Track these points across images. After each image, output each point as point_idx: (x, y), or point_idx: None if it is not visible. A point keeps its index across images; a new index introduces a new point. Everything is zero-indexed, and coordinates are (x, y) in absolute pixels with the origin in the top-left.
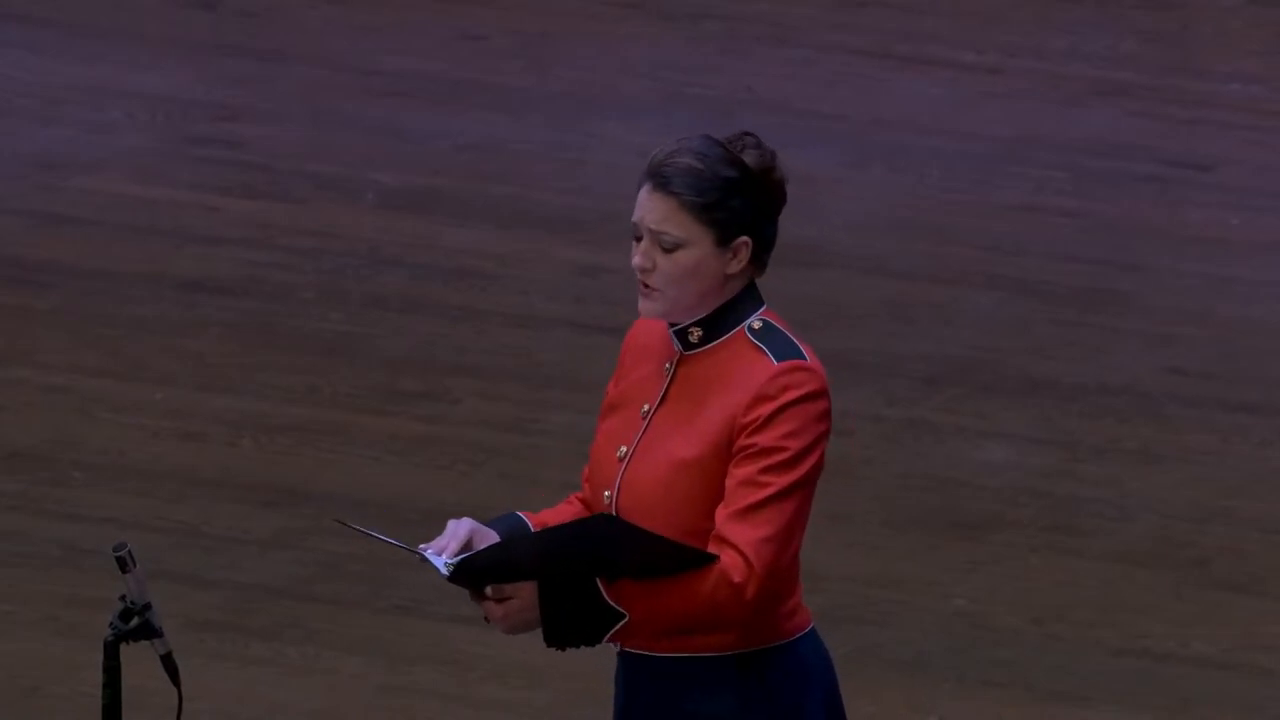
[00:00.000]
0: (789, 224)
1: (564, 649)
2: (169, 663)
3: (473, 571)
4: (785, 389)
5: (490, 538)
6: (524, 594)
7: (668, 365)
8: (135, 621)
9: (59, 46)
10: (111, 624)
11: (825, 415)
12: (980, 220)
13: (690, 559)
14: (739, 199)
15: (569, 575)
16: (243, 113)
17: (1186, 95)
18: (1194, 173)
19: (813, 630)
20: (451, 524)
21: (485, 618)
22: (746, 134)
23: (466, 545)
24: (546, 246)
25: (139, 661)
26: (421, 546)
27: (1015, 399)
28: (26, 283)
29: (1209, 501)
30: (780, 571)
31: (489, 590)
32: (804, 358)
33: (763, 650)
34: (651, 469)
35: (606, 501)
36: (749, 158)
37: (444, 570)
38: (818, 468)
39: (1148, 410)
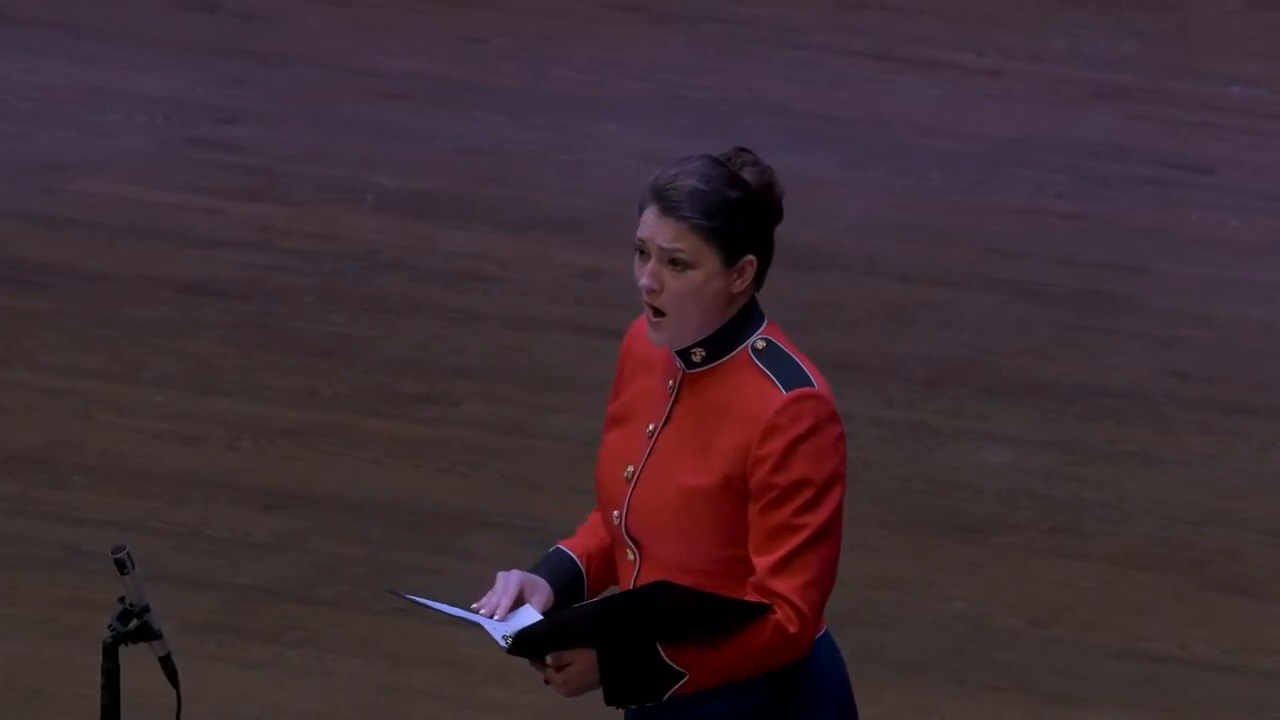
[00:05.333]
0: (789, 225)
1: (624, 706)
2: (168, 664)
3: (532, 643)
4: (796, 419)
5: (540, 586)
6: (583, 659)
7: (671, 383)
8: (134, 623)
9: (59, 48)
10: (110, 626)
11: (840, 439)
12: (980, 222)
13: (744, 612)
14: (744, 219)
15: (628, 640)
16: (243, 115)
17: (1186, 97)
18: (1194, 175)
19: (827, 632)
20: (500, 578)
21: (545, 680)
22: (742, 150)
23: (518, 598)
24: (546, 249)
25: (140, 663)
26: (474, 605)
27: (1015, 401)
28: (27, 285)
29: (1209, 504)
30: (825, 605)
31: (549, 658)
32: (811, 384)
33: None
34: (661, 494)
35: (616, 522)
36: (749, 175)
37: (503, 643)
38: (843, 494)
39: (1148, 412)
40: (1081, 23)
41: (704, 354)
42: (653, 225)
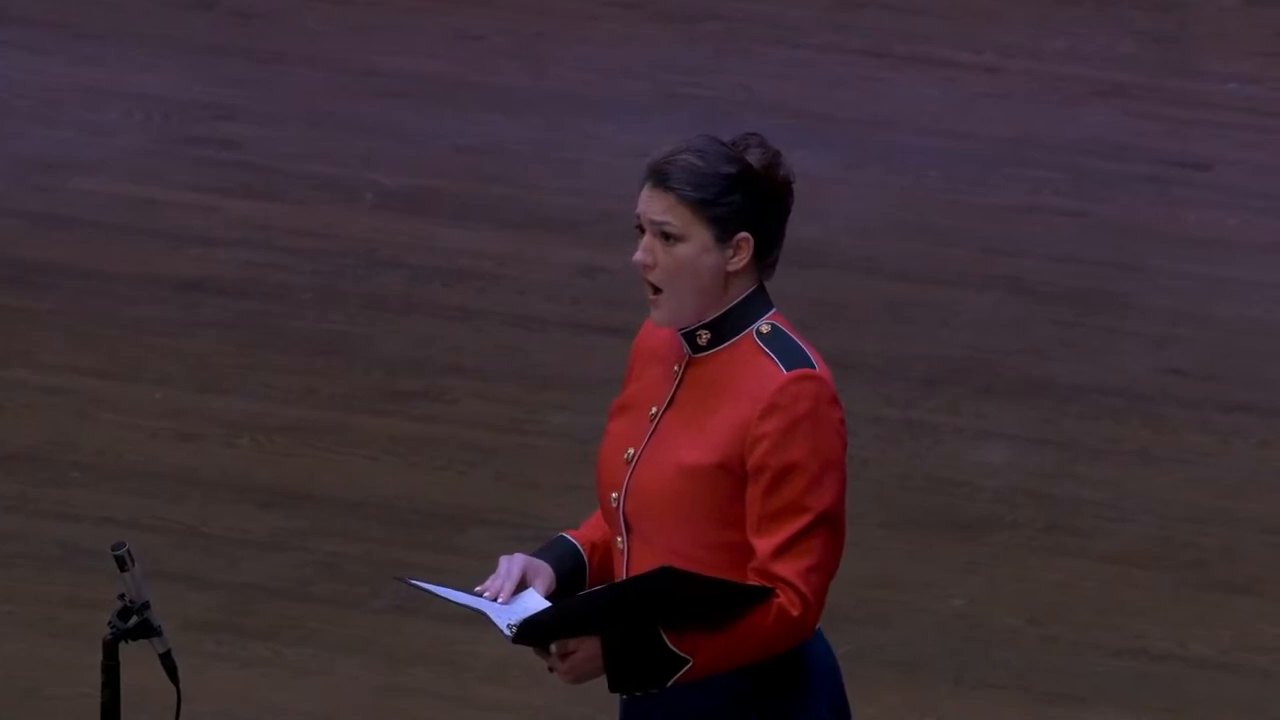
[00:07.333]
0: (788, 223)
1: (629, 695)
2: (168, 661)
3: (536, 631)
4: (797, 399)
5: (543, 570)
6: (587, 646)
7: (676, 367)
8: (134, 620)
9: (57, 47)
10: (110, 623)
11: (841, 424)
12: (978, 221)
13: (747, 596)
14: (738, 195)
15: (632, 627)
16: (240, 113)
17: (1184, 96)
18: (1192, 173)
19: (818, 630)
20: (503, 562)
21: (549, 668)
22: (751, 134)
23: (521, 582)
24: (544, 247)
25: (138, 661)
26: (478, 588)
27: (1013, 400)
28: (25, 283)
29: (1207, 502)
30: (827, 590)
31: (553, 646)
32: (813, 366)
33: None
34: (659, 474)
35: (614, 504)
36: (751, 156)
37: (507, 632)
38: (844, 481)
39: (1146, 411)
40: (1080, 21)
41: (709, 336)
42: (646, 199)
